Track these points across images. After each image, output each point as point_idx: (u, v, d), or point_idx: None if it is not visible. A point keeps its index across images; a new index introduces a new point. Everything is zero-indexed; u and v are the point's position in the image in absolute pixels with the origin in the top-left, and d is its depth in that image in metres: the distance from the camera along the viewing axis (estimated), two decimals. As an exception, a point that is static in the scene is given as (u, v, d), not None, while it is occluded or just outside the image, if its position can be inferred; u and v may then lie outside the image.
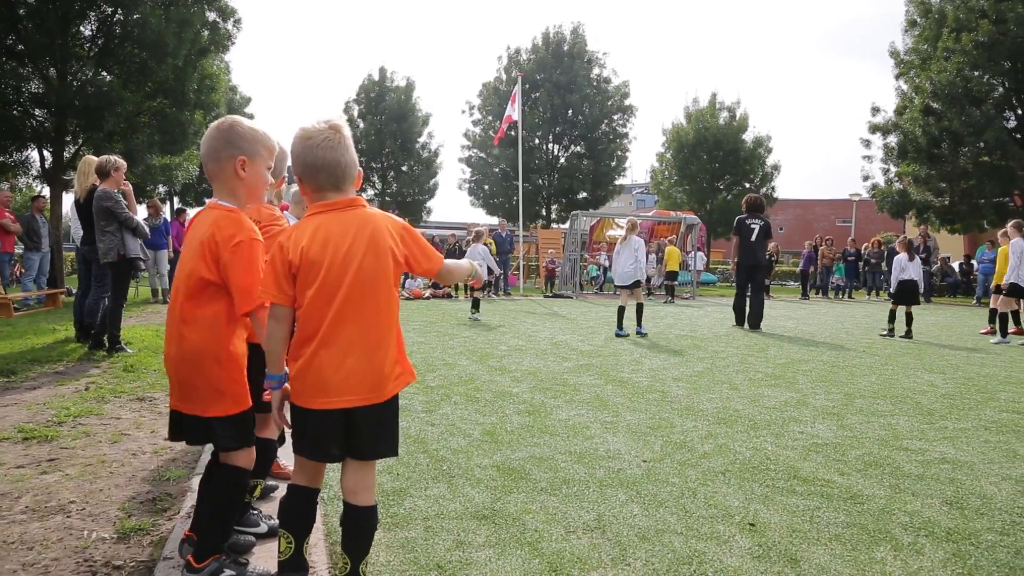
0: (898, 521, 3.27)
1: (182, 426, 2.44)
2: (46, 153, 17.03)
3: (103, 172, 7.24)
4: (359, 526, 2.22)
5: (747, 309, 11.91)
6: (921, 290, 11.36)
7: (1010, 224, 11.09)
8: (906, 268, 11.04)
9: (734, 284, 21.72)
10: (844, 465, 4.12)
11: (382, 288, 2.18)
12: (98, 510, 3.20)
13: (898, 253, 11.29)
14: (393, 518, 3.15)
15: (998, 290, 11.21)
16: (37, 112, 16.41)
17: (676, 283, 18.43)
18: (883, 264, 22.88)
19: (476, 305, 12.68)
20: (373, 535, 2.28)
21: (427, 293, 18.34)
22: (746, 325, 11.87)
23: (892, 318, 11.32)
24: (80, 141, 17.00)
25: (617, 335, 10.24)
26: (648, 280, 20.52)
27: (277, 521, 2.38)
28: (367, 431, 2.18)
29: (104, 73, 16.86)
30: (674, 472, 3.92)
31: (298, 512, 2.25)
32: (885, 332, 11.22)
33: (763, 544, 2.96)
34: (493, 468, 3.91)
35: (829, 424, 5.12)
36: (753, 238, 11.86)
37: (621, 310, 10.41)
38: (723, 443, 4.54)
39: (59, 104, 15.43)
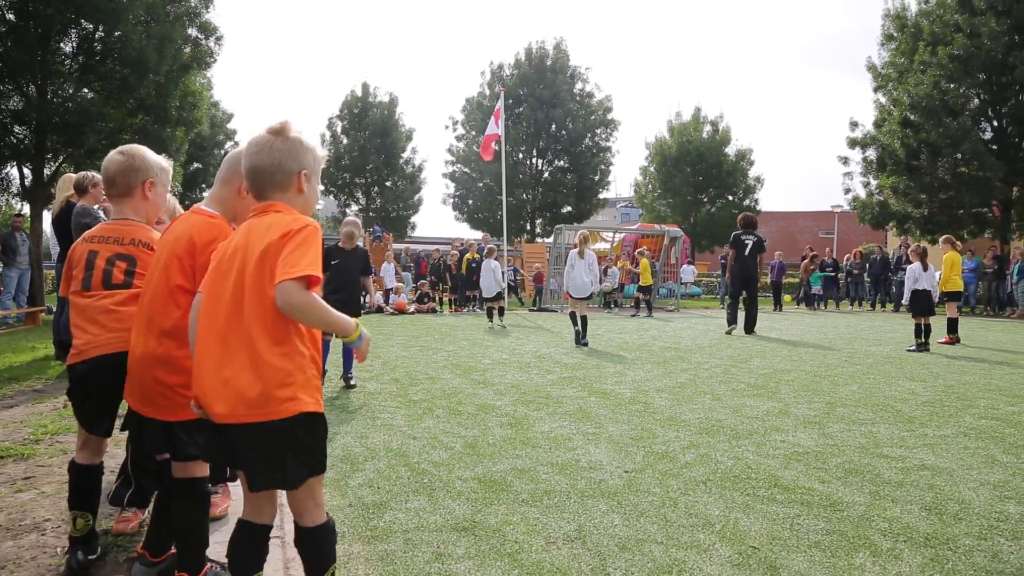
0: (877, 527, 3.29)
1: (142, 431, 2.46)
2: (26, 170, 16.90)
3: (81, 188, 7.16)
4: (311, 547, 2.13)
5: (740, 316, 12.93)
6: (936, 300, 11.29)
7: (942, 239, 11.71)
8: (919, 278, 10.90)
9: (719, 296, 21.67)
10: (825, 473, 4.14)
11: (259, 297, 1.98)
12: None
13: (910, 263, 11.23)
14: (373, 531, 3.14)
15: (949, 297, 11.64)
16: (17, 129, 16.28)
17: (648, 296, 18.26)
18: (865, 275, 23.08)
19: (500, 313, 14.07)
20: (331, 552, 2.16)
21: (411, 308, 18.29)
22: (742, 330, 12.77)
23: (919, 332, 10.72)
24: (61, 158, 16.89)
25: (577, 342, 10.69)
26: (613, 292, 20.63)
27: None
28: (248, 454, 2.02)
29: (85, 90, 16.78)
30: (655, 482, 3.92)
31: (240, 550, 2.12)
32: (914, 348, 10.62)
33: (743, 552, 2.97)
34: (474, 480, 3.90)
35: (811, 433, 5.15)
36: (747, 252, 13.00)
37: (573, 315, 10.92)
38: (705, 453, 4.55)
39: (39, 121, 15.34)
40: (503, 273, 15.55)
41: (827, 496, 3.72)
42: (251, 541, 2.13)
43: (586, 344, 10.61)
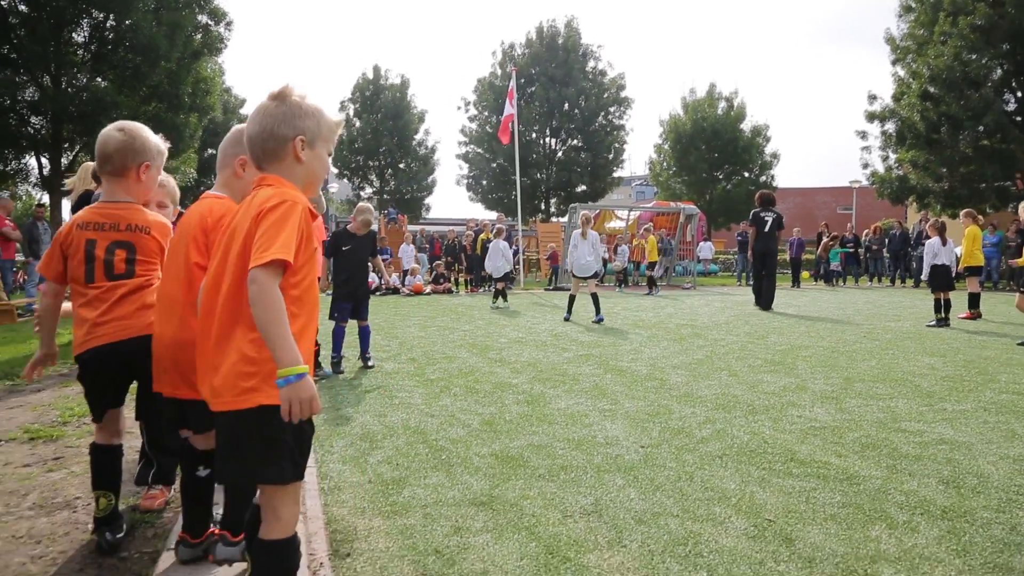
0: (894, 500, 3.30)
1: (186, 414, 2.49)
2: (44, 160, 17.09)
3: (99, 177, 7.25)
4: (257, 562, 1.94)
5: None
6: (954, 275, 11.17)
7: (963, 212, 11.48)
8: (939, 253, 10.81)
9: (736, 274, 21.54)
10: (841, 447, 4.15)
11: (239, 280, 1.88)
12: (101, 506, 3.24)
13: (929, 237, 11.11)
14: (392, 506, 3.19)
15: (970, 272, 11.47)
16: (34, 119, 16.48)
17: (655, 273, 18.15)
18: (884, 250, 22.85)
19: (503, 296, 14.12)
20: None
21: (428, 288, 18.36)
22: (761, 306, 13.13)
23: (938, 307, 10.66)
24: (77, 147, 17.06)
25: (566, 319, 11.05)
26: (625, 272, 20.56)
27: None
28: (220, 440, 1.96)
29: (99, 79, 16.90)
30: (672, 457, 3.95)
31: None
32: (933, 323, 10.56)
33: (759, 525, 3.00)
34: (492, 456, 3.94)
35: (828, 408, 5.14)
36: (766, 229, 13.22)
37: (572, 298, 11.29)
38: (721, 428, 4.57)
39: (55, 111, 15.50)
40: (513, 253, 15.63)
41: (844, 470, 3.73)
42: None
43: (601, 320, 10.64)
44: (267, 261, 1.75)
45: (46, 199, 17.66)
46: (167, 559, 2.65)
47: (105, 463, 2.81)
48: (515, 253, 19.71)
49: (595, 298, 10.88)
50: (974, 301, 11.49)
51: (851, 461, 3.88)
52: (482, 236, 18.77)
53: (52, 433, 4.44)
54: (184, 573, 2.55)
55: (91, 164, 7.58)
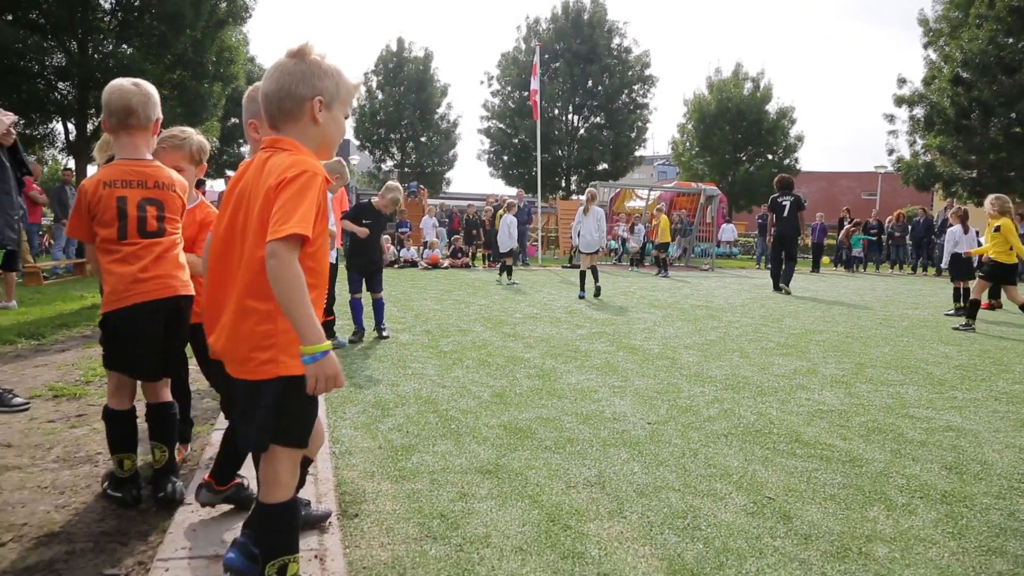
0: (894, 483, 3.34)
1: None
2: (70, 126, 17.29)
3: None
4: (259, 526, 2.03)
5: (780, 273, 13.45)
6: (975, 264, 11.05)
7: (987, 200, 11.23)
8: (960, 241, 10.67)
9: (756, 257, 21.40)
10: (847, 430, 4.18)
11: (253, 241, 1.88)
12: (121, 461, 3.37)
13: (951, 225, 10.97)
14: (400, 471, 3.28)
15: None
16: (60, 85, 16.64)
17: (667, 254, 17.88)
18: (907, 238, 22.59)
19: (508, 272, 14.02)
20: (283, 540, 1.99)
21: (446, 263, 18.44)
22: (778, 289, 13.23)
23: (957, 296, 10.59)
24: (103, 114, 17.25)
25: (580, 297, 11.20)
26: (643, 251, 20.43)
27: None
28: (235, 403, 2.02)
29: (125, 46, 17.02)
30: (677, 434, 4.01)
31: None
32: (952, 312, 10.41)
33: (758, 502, 3.05)
34: (500, 427, 4.03)
35: (837, 392, 5.17)
36: (785, 214, 13.28)
37: (583, 274, 11.36)
38: (728, 408, 4.62)
39: (82, 77, 15.65)
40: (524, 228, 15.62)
41: (847, 452, 3.77)
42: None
43: (598, 293, 11.14)
44: (286, 235, 1.72)
45: (72, 164, 17.91)
46: (184, 511, 2.76)
47: (124, 427, 2.86)
48: (523, 223, 19.53)
49: (594, 271, 11.24)
50: (995, 291, 11.37)
51: (855, 444, 3.92)
52: (500, 212, 18.78)
53: (75, 391, 4.58)
54: (199, 523, 2.65)
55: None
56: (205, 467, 3.20)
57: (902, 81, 26.21)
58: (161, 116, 2.91)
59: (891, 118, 27.14)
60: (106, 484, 2.93)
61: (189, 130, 3.27)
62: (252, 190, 1.92)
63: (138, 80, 2.84)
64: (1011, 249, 8.83)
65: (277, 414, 1.89)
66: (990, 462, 3.70)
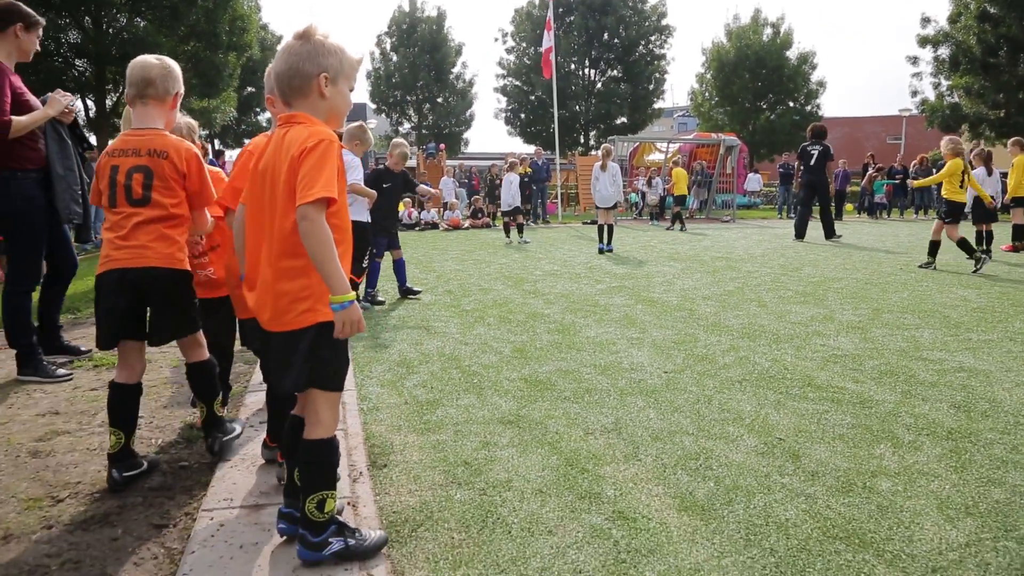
0: (902, 422, 3.45)
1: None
2: (89, 102, 17.49)
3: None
4: (302, 461, 2.22)
5: (806, 225, 13.56)
6: (999, 206, 10.97)
7: (1011, 141, 11.27)
8: (983, 183, 10.54)
9: (777, 207, 21.13)
10: (859, 374, 4.28)
11: (282, 209, 2.07)
12: (164, 423, 3.59)
13: (974, 168, 10.79)
14: (426, 424, 3.46)
15: (1016, 203, 11.21)
16: (77, 62, 16.80)
17: (684, 208, 17.43)
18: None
19: (520, 230, 13.93)
20: (323, 474, 2.19)
21: (466, 223, 18.54)
22: (808, 239, 13.22)
23: (979, 239, 10.47)
24: (121, 89, 17.39)
25: (600, 251, 11.41)
26: (662, 204, 20.22)
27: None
28: (272, 355, 2.22)
29: (138, 19, 17.10)
30: (693, 382, 4.13)
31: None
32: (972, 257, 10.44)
33: (768, 443, 3.18)
34: (521, 380, 4.18)
35: (852, 337, 5.25)
36: (812, 162, 13.46)
37: (601, 228, 11.59)
38: (744, 355, 4.73)
39: (98, 53, 15.78)
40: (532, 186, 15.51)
41: (858, 395, 3.88)
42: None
43: (610, 250, 11.35)
44: (315, 198, 1.94)
45: (93, 140, 18.15)
46: (224, 467, 2.96)
47: (121, 401, 2.86)
48: (532, 185, 19.31)
49: (610, 229, 11.48)
50: (1019, 233, 11.27)
51: (867, 387, 4.02)
52: (520, 170, 18.76)
53: (113, 361, 4.76)
54: (239, 477, 2.85)
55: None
56: (245, 426, 3.40)
57: (926, 20, 25.54)
58: (182, 91, 3.00)
59: (915, 60, 26.52)
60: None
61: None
62: (275, 163, 2.10)
63: (162, 56, 2.94)
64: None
65: (313, 358, 2.10)
66: (999, 400, 3.78)
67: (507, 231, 14.21)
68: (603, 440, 3.23)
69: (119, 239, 2.80)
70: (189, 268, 2.96)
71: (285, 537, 2.34)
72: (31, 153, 4.28)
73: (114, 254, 2.81)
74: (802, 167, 13.75)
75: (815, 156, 13.41)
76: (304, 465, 2.20)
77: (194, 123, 3.50)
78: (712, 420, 3.49)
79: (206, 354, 3.04)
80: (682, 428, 3.37)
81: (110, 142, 4.96)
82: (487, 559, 2.24)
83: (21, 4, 4.33)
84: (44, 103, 4.32)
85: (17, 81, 4.26)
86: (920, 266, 9.28)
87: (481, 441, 3.22)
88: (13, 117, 4.08)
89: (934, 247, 9.29)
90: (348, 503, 2.61)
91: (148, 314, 2.93)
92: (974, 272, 8.73)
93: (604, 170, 11.39)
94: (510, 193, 13.89)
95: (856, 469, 2.89)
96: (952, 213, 9.19)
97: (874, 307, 6.43)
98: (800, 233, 13.41)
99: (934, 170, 22.06)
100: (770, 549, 2.29)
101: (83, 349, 4.99)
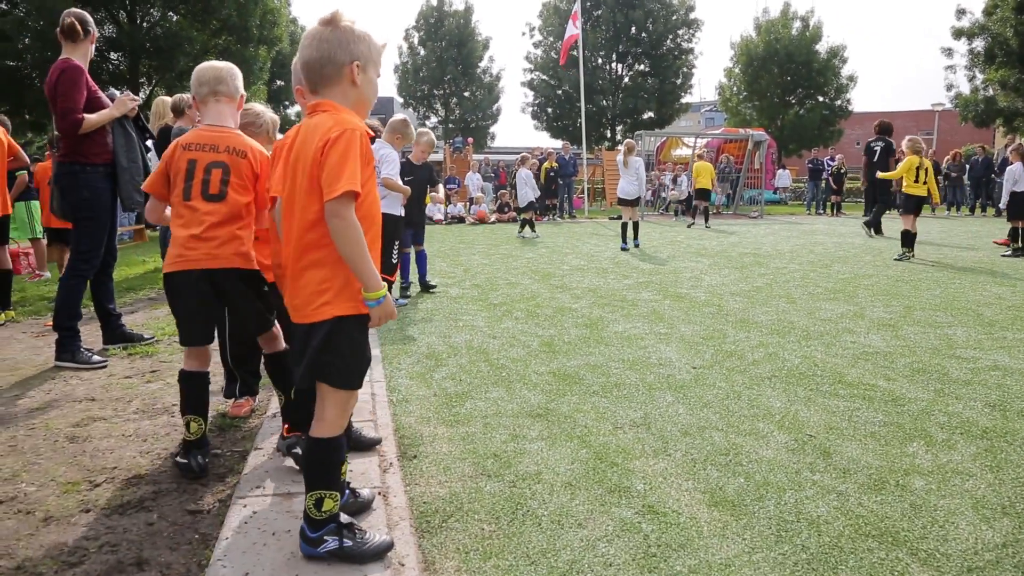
0: (936, 421, 3.40)
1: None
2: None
3: (178, 110, 7.58)
4: (304, 458, 2.23)
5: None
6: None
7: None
8: (1019, 179, 10.44)
9: (806, 203, 20.89)
10: (891, 371, 4.23)
11: (304, 201, 2.05)
12: (197, 411, 3.64)
13: (1011, 163, 10.71)
14: (455, 416, 3.48)
15: None
16: (112, 56, 17.07)
17: (709, 202, 16.76)
18: (965, 178, 21.82)
19: (530, 225, 13.90)
20: (324, 474, 2.15)
21: (493, 217, 18.55)
22: (872, 231, 13.48)
23: (1015, 236, 10.35)
24: (154, 82, 17.66)
25: (623, 249, 11.14)
26: (689, 199, 19.90)
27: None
28: (293, 346, 2.22)
29: (171, 14, 17.33)
30: (722, 378, 4.11)
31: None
32: (1009, 253, 10.20)
33: (799, 439, 3.16)
34: (549, 374, 4.19)
35: (883, 334, 5.18)
36: (875, 158, 13.72)
37: (624, 226, 11.38)
38: (773, 352, 4.69)
39: (132, 47, 16.02)
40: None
41: (890, 392, 3.83)
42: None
43: (638, 246, 11.35)
44: (340, 193, 1.91)
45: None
46: (256, 455, 3.00)
47: (196, 389, 2.92)
48: (559, 180, 19.28)
49: (635, 225, 11.42)
50: None
51: (899, 384, 3.97)
52: (546, 165, 18.73)
53: (147, 350, 4.90)
54: (271, 466, 2.89)
55: (167, 99, 7.97)
56: (272, 416, 3.45)
57: (961, 12, 25.04)
58: (245, 95, 3.10)
59: (949, 52, 26.02)
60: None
61: (258, 108, 3.36)
62: (302, 153, 2.07)
63: (220, 61, 3.06)
64: None
65: (324, 352, 2.06)
66: (1036, 400, 3.72)
67: (522, 226, 14.15)
68: (632, 434, 3.22)
69: (194, 239, 2.84)
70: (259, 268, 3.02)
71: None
72: (99, 148, 4.62)
73: (190, 254, 2.84)
74: (867, 163, 14.05)
75: (877, 152, 13.60)
76: (306, 461, 2.21)
77: (277, 120, 3.51)
78: (741, 416, 3.47)
79: (283, 344, 3.06)
80: (711, 424, 3.36)
81: (154, 146, 5.14)
82: (517, 551, 2.25)
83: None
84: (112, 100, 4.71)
85: (91, 82, 4.60)
86: (895, 259, 9.60)
87: (510, 434, 3.23)
88: (85, 115, 4.44)
89: (907, 237, 9.75)
90: (379, 493, 2.63)
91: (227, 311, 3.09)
92: (895, 260, 9.43)
93: (626, 166, 11.38)
94: (524, 189, 14.01)
95: (888, 467, 2.86)
96: (907, 204, 10.05)
97: (906, 304, 6.34)
98: (876, 228, 13.36)
99: (967, 166, 21.75)
100: (801, 546, 2.27)
101: (146, 336, 5.20)
